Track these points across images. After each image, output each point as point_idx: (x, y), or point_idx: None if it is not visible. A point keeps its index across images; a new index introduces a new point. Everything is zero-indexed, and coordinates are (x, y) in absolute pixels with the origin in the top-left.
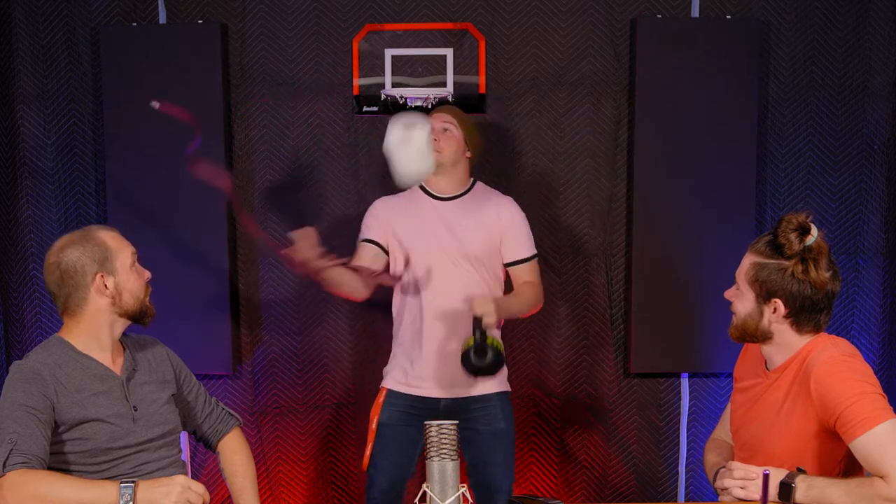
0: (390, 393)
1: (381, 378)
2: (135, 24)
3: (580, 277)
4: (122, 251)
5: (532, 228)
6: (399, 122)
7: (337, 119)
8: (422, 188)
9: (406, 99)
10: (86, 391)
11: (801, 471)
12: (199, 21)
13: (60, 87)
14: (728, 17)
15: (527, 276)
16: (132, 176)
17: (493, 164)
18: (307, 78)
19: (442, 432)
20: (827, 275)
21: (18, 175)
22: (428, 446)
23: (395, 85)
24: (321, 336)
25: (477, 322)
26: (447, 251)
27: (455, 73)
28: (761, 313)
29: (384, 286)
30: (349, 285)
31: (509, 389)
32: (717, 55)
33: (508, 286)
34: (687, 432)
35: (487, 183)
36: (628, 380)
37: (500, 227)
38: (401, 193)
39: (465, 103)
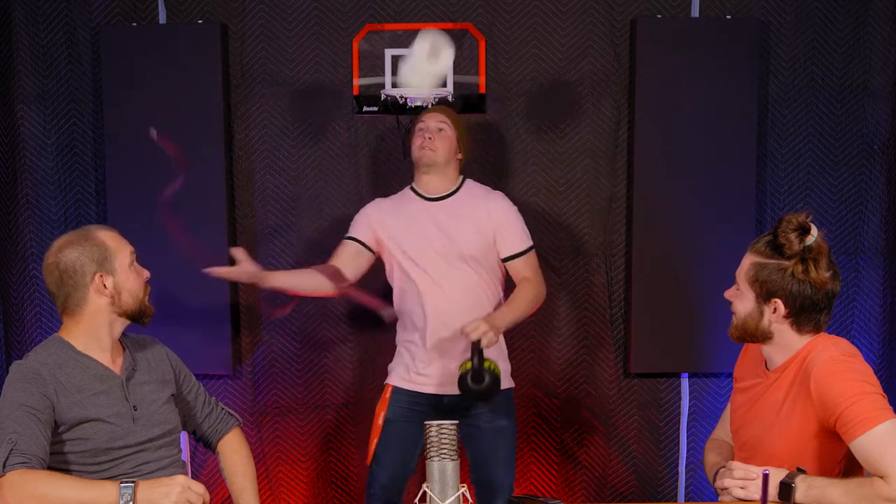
0: (396, 389)
1: (381, 377)
2: (135, 24)
3: (580, 277)
4: (120, 251)
5: (532, 228)
6: (430, 38)
7: (337, 119)
8: (412, 189)
9: (406, 99)
10: (86, 391)
11: (801, 471)
12: (199, 21)
13: (60, 87)
14: (728, 17)
15: (525, 269)
16: (132, 176)
17: (493, 165)
18: (307, 78)
19: (442, 432)
20: (827, 275)
21: (18, 175)
22: (428, 446)
23: (395, 85)
24: (321, 336)
25: (475, 346)
26: (441, 252)
27: (455, 73)
28: (761, 313)
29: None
30: (307, 286)
31: (513, 385)
32: (717, 55)
33: (510, 282)
34: (687, 432)
35: (488, 183)
36: (628, 380)
37: (492, 224)
38: (392, 196)
39: (465, 103)
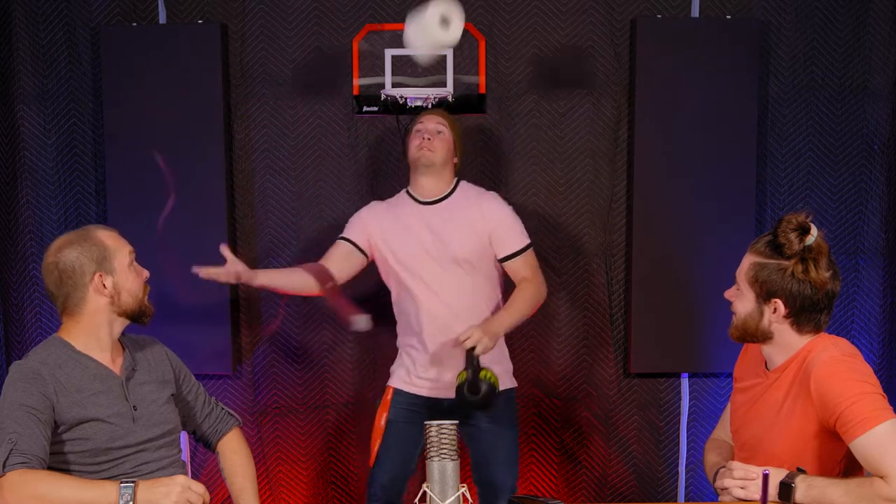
0: (397, 391)
1: (381, 378)
2: (135, 24)
3: (580, 277)
4: (120, 250)
5: (532, 228)
6: (443, 5)
7: (337, 119)
8: (408, 193)
9: (406, 99)
10: (85, 391)
11: (801, 471)
12: (199, 21)
13: (60, 87)
14: (728, 17)
15: (523, 269)
16: (132, 176)
17: (492, 165)
18: (307, 78)
19: (442, 432)
20: (827, 275)
21: (18, 175)
22: (428, 446)
23: (395, 85)
24: (321, 336)
25: (470, 354)
26: (434, 256)
27: (455, 73)
28: (761, 313)
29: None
30: (295, 285)
31: (515, 386)
32: (717, 55)
33: (510, 282)
34: (687, 432)
35: (488, 183)
36: (628, 380)
37: (487, 225)
38: (388, 199)
39: (465, 103)
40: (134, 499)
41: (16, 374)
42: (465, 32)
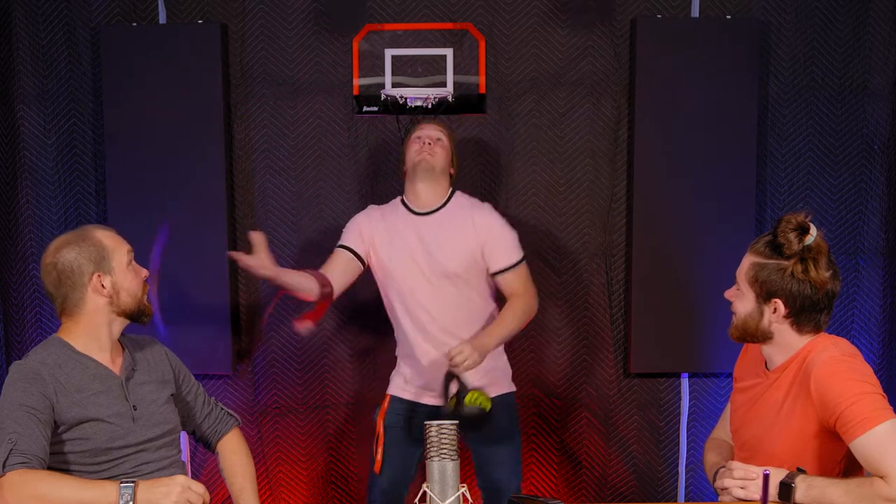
0: (394, 399)
1: (381, 377)
2: (135, 24)
3: (580, 277)
4: (118, 250)
5: (532, 228)
6: None
7: (337, 119)
8: (403, 202)
9: (406, 99)
10: (85, 391)
11: (801, 471)
12: (199, 21)
13: (60, 87)
14: (728, 17)
15: (514, 284)
16: (132, 176)
17: (492, 164)
18: (307, 78)
19: (442, 432)
20: (827, 274)
21: (18, 175)
22: (428, 446)
23: (395, 85)
24: (321, 336)
25: (450, 378)
26: (423, 269)
27: (455, 73)
28: (761, 313)
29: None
30: (304, 287)
31: (513, 390)
32: (717, 55)
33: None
34: (687, 432)
35: (487, 183)
36: (628, 380)
37: (479, 238)
38: (383, 206)
39: (465, 103)
40: (134, 499)
41: (16, 374)
42: (465, 32)
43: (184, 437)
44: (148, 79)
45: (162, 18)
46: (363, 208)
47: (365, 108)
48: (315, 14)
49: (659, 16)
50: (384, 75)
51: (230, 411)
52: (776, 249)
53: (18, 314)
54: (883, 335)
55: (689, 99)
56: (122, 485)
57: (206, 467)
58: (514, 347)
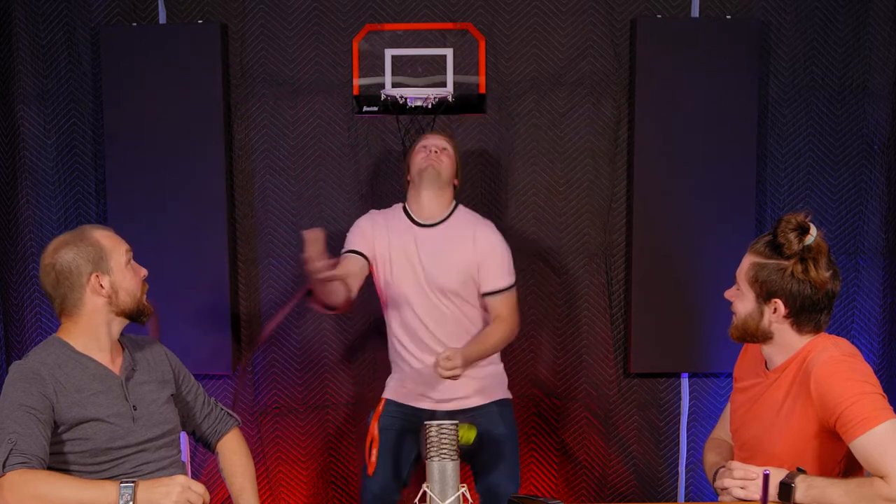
0: (388, 402)
1: (381, 378)
2: (135, 24)
3: (580, 277)
4: (116, 250)
5: (532, 228)
6: None
7: (337, 119)
8: (405, 211)
9: (406, 99)
10: (85, 391)
11: (801, 471)
12: (199, 21)
13: (60, 87)
14: (728, 17)
15: (501, 307)
16: (132, 176)
17: (492, 166)
18: (307, 78)
19: (442, 432)
20: (827, 274)
21: (18, 175)
22: (428, 446)
23: (395, 85)
24: (321, 336)
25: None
26: (420, 280)
27: (455, 73)
28: (761, 313)
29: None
30: (336, 296)
31: (509, 397)
32: (717, 55)
33: None
34: (687, 432)
35: (488, 183)
36: (628, 380)
37: (477, 256)
38: (385, 211)
39: (465, 103)
40: (134, 499)
41: (16, 374)
42: (465, 32)
43: (184, 437)
44: (148, 79)
45: (162, 18)
46: (363, 208)
47: (365, 108)
48: (315, 14)
49: (659, 16)
50: (384, 75)
51: (230, 411)
52: (776, 249)
53: (18, 314)
54: (883, 335)
55: (689, 99)
56: (122, 485)
57: (206, 467)
58: (515, 347)
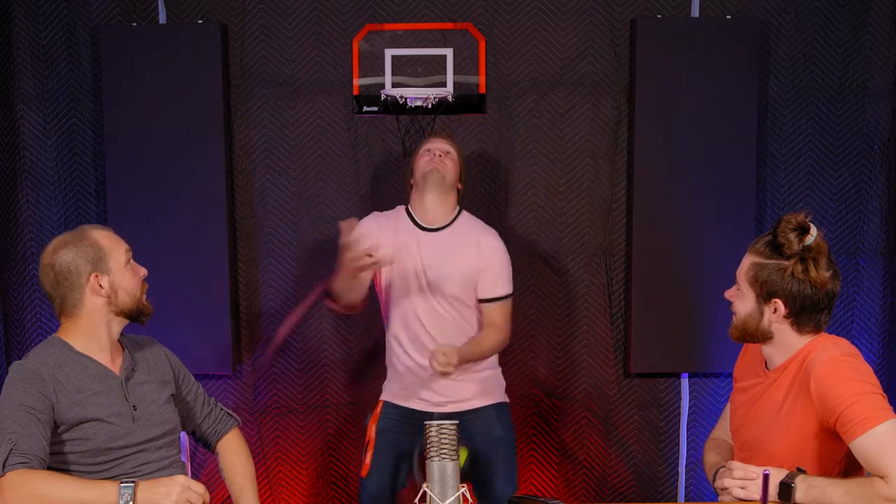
0: (386, 404)
1: (381, 378)
2: (135, 24)
3: (580, 277)
4: (115, 249)
5: (532, 228)
6: None
7: (337, 119)
8: (408, 213)
9: (406, 99)
10: (85, 391)
11: (801, 471)
12: (199, 21)
13: (60, 87)
14: (728, 17)
15: (496, 315)
16: (132, 176)
17: (492, 166)
18: (307, 78)
19: (442, 432)
20: (827, 274)
21: (18, 175)
22: (428, 446)
23: (395, 85)
24: (321, 336)
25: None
26: (422, 284)
27: (455, 73)
28: (762, 313)
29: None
30: (359, 291)
31: (506, 401)
32: (717, 55)
33: None
34: (687, 432)
35: (488, 183)
36: (628, 380)
37: (479, 262)
38: (387, 213)
39: (465, 103)
40: (134, 499)
41: (16, 374)
42: (465, 32)
43: (184, 437)
44: (148, 79)
45: (162, 18)
46: (363, 208)
47: (365, 108)
48: (315, 14)
49: (659, 16)
50: (384, 75)
51: (230, 411)
52: (776, 249)
53: (18, 314)
54: (883, 335)
55: (689, 99)
56: (122, 485)
57: (206, 467)
58: (515, 347)
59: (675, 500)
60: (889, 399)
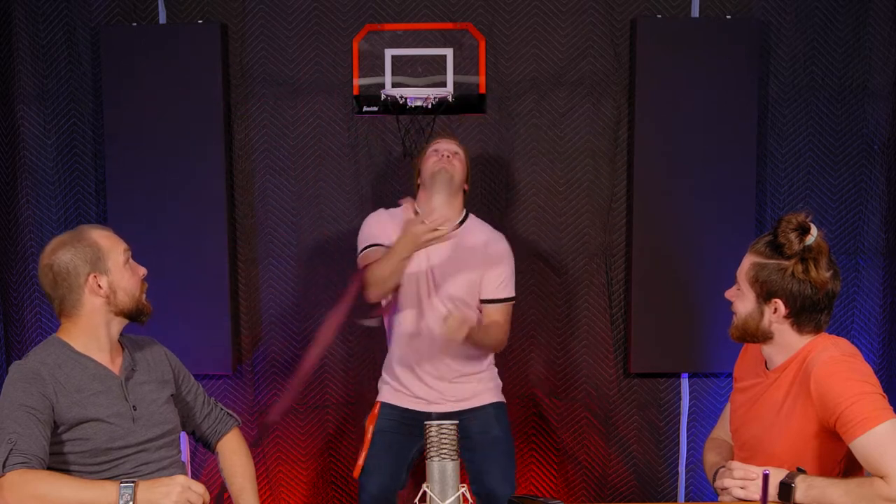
0: (384, 405)
1: (379, 378)
2: (135, 24)
3: (580, 277)
4: (114, 249)
5: (532, 228)
6: None
7: (337, 119)
8: (416, 214)
9: (406, 99)
10: (85, 391)
11: (801, 471)
12: (199, 21)
13: (60, 87)
14: (728, 17)
15: (497, 315)
16: (132, 176)
17: (492, 166)
18: (307, 78)
19: (442, 432)
20: (827, 274)
21: (18, 175)
22: (428, 446)
23: (395, 85)
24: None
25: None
26: (427, 285)
27: (455, 73)
28: (762, 313)
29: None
30: (399, 278)
31: (503, 401)
32: (717, 55)
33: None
34: (687, 432)
35: (488, 183)
36: (628, 380)
37: (486, 263)
38: (394, 211)
39: (465, 103)
40: (134, 499)
41: (15, 374)
42: (465, 32)
43: (184, 437)
44: (148, 79)
45: (162, 18)
46: (363, 208)
47: (365, 108)
48: (315, 14)
49: (659, 16)
50: (384, 75)
51: (230, 411)
52: (777, 249)
53: (18, 314)
54: (883, 335)
55: (689, 99)
56: (122, 485)
57: (206, 467)
58: (514, 347)
59: (675, 500)
60: (889, 399)
